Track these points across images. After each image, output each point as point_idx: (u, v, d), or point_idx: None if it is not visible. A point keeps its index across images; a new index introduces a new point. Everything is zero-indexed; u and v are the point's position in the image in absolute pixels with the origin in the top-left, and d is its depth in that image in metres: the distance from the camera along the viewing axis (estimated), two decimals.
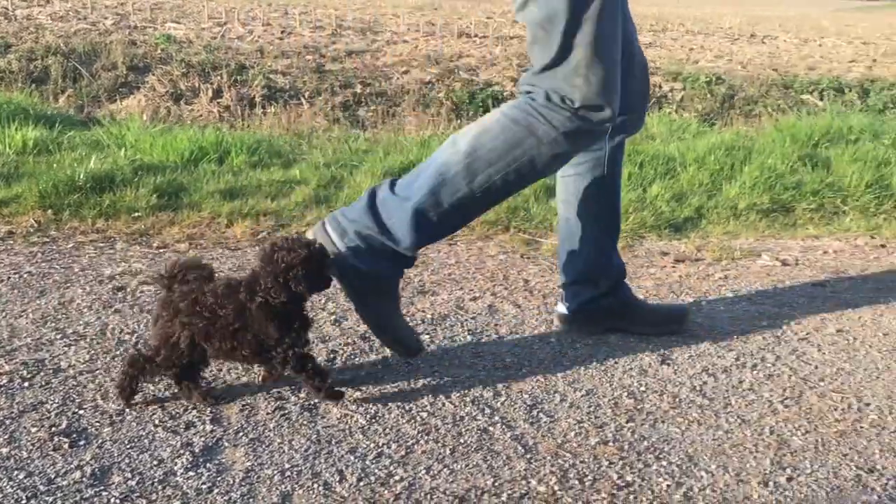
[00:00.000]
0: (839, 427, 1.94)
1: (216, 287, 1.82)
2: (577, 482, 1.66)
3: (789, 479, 1.71)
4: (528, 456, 1.74)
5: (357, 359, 2.17)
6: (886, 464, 1.79)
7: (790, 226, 3.74)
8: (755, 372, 2.20)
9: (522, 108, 2.01)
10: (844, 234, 3.63)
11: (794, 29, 11.29)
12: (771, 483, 1.70)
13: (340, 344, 2.24)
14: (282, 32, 7.22)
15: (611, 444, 1.81)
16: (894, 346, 2.42)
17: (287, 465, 1.65)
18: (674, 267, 3.09)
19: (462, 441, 1.78)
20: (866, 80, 6.79)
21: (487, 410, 1.92)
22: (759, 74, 6.81)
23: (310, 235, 2.05)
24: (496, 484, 1.63)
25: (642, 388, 2.08)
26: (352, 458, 1.70)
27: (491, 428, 1.84)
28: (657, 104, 6.20)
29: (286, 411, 1.86)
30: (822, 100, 6.41)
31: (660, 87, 6.45)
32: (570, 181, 2.34)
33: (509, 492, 1.61)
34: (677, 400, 2.03)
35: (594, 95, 1.96)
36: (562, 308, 2.43)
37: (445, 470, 1.67)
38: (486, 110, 5.88)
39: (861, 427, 1.94)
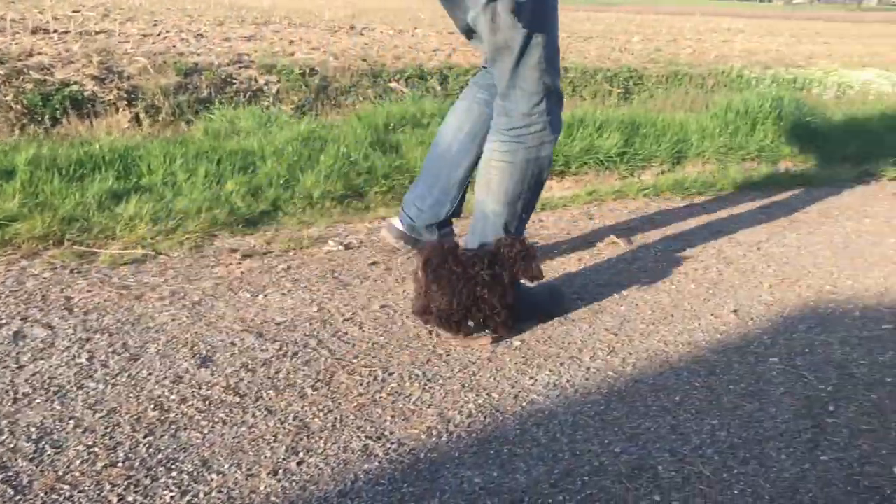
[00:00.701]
0: (360, 401, 2.06)
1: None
2: None
3: (300, 463, 1.77)
4: (18, 498, 1.59)
5: None
6: (395, 429, 1.93)
7: (363, 210, 3.93)
8: (294, 360, 2.26)
9: (508, 139, 2.50)
10: None
11: (394, 20, 12.02)
12: (281, 471, 1.73)
13: None
14: None
15: (120, 465, 1.72)
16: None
17: None
18: (240, 263, 3.07)
19: None
20: (445, 67, 7.42)
21: None
22: (351, 65, 7.11)
23: None
24: None
25: (172, 397, 2.01)
26: None
27: None
28: (253, 98, 6.18)
29: None
30: (407, 87, 6.87)
31: (255, 80, 6.43)
32: (473, 112, 2.80)
33: None
34: (207, 403, 2.00)
35: (553, 82, 2.46)
36: (398, 224, 3.03)
37: None
38: (64, 112, 5.42)
39: (380, 397, 2.08)
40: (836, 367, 2.35)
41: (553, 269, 3.13)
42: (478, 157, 2.69)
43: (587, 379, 2.25)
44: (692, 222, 3.90)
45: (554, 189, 4.54)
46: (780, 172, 4.98)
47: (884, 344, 2.52)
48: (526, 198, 2.56)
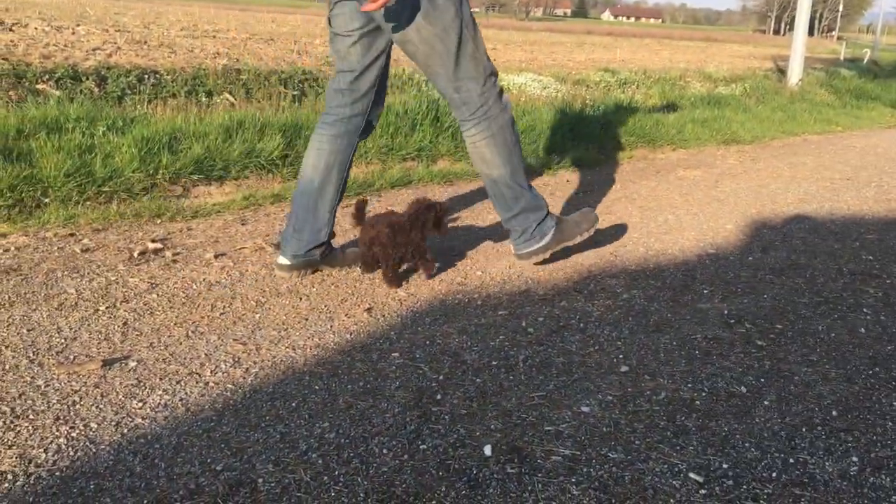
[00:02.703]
0: None
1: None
2: None
3: None
4: None
5: None
6: None
7: None
8: None
9: (477, 120, 3.01)
10: (40, 229, 3.53)
11: (55, 16, 10.98)
12: None
13: None
14: None
15: None
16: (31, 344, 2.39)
17: None
18: None
19: None
20: (104, 67, 6.89)
21: None
22: None
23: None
24: None
25: None
26: None
27: None
28: None
29: None
30: (58, 89, 6.27)
31: None
32: (324, 149, 3.04)
33: None
34: None
35: (489, 64, 2.96)
36: (284, 260, 3.09)
37: None
38: None
39: None
40: (450, 356, 2.48)
41: (191, 279, 3.00)
42: (339, 182, 3.08)
43: (203, 395, 2.15)
44: (344, 224, 3.96)
45: (214, 195, 4.38)
46: (436, 171, 5.25)
47: (496, 329, 2.71)
48: (516, 151, 3.08)
